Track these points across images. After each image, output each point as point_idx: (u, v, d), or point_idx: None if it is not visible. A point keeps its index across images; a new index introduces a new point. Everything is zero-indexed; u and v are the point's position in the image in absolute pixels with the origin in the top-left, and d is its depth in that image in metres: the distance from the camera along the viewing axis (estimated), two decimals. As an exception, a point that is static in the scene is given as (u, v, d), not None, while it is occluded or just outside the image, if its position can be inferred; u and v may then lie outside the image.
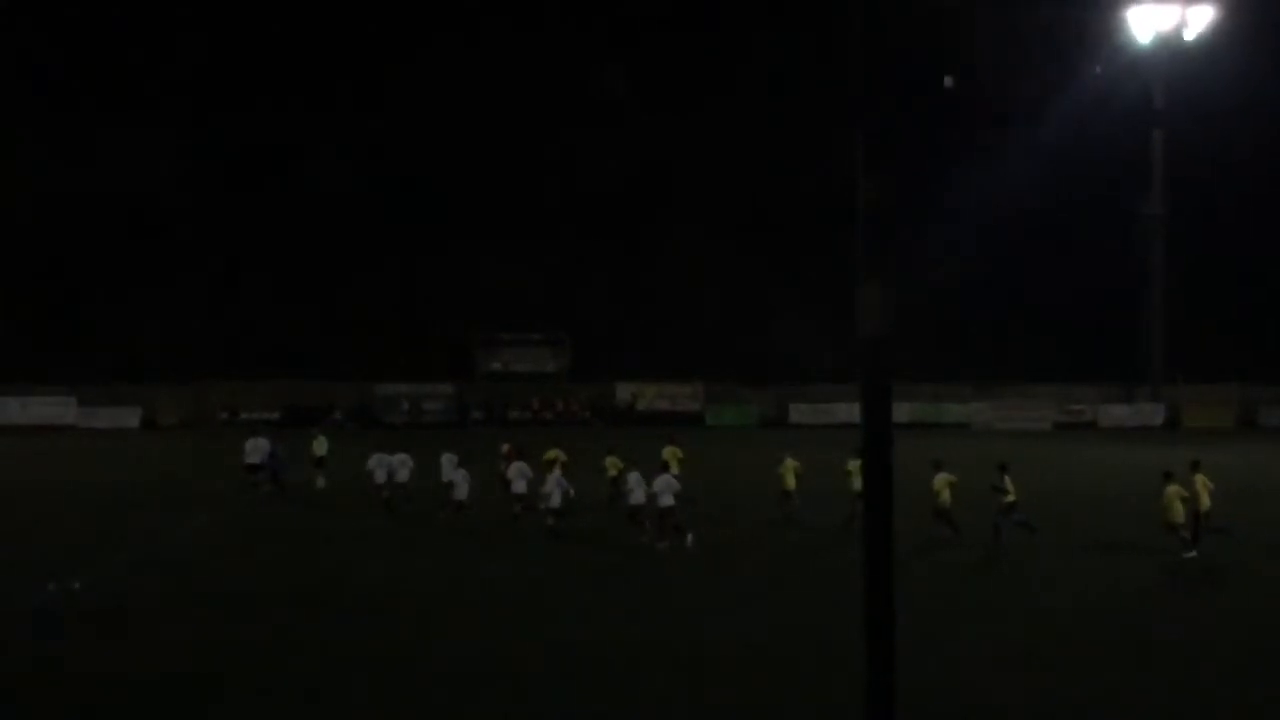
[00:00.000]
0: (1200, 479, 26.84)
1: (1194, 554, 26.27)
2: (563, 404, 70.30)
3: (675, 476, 29.33)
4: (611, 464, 33.67)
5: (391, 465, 33.97)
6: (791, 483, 31.61)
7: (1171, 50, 69.33)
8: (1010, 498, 27.80)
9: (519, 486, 30.94)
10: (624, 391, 71.11)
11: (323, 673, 17.97)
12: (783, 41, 66.20)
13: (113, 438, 61.57)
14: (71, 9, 69.12)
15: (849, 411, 62.65)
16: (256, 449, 37.40)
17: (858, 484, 29.38)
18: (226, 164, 70.32)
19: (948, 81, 65.67)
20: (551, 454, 33.60)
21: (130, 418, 67.84)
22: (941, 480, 28.14)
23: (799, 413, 69.59)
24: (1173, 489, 26.56)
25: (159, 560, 26.83)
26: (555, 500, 29.65)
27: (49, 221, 68.45)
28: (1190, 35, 68.82)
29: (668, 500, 27.26)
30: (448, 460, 33.39)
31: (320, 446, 38.45)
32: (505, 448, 34.99)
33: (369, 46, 71.27)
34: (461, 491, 31.29)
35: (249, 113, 69.72)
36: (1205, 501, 26.60)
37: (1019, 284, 70.13)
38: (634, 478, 29.30)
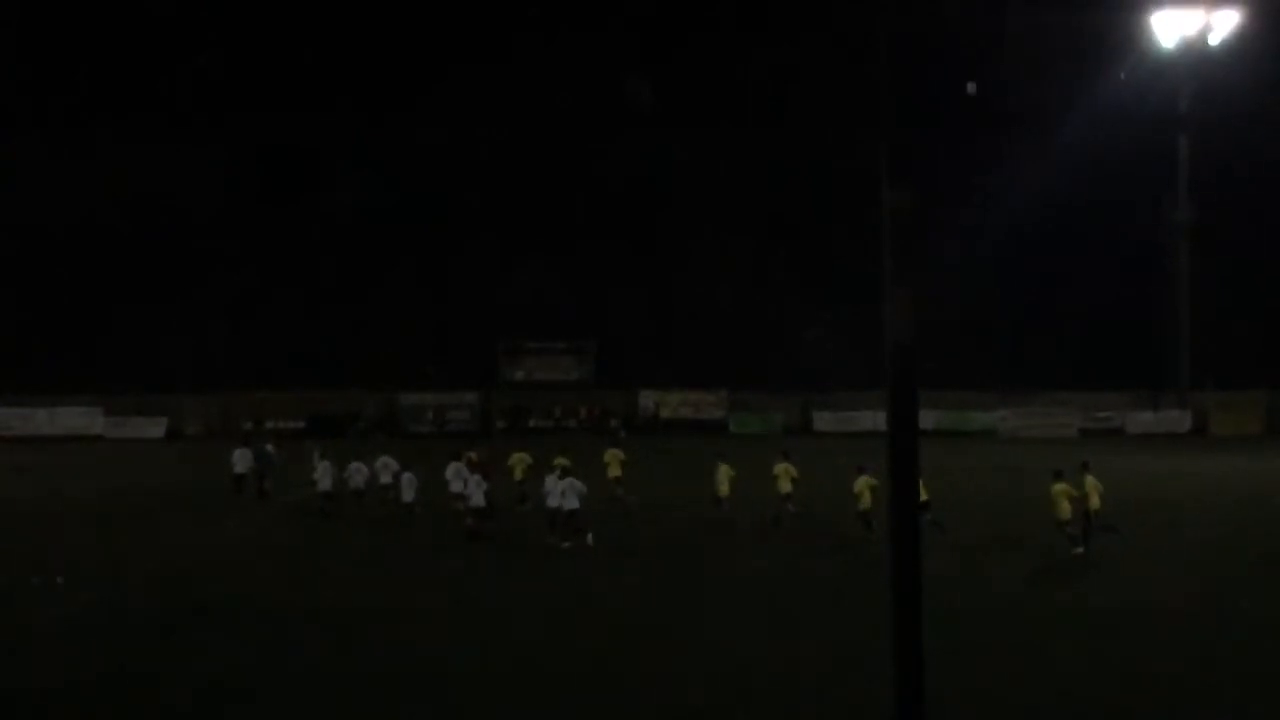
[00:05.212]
0: (1090, 480, 27.82)
1: (1081, 550, 27.26)
2: (585, 412, 70.22)
3: (618, 479, 34.66)
4: (518, 460, 35.45)
5: (344, 473, 35.00)
6: (725, 489, 32.60)
7: (1196, 55, 68.95)
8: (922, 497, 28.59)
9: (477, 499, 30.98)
10: (648, 400, 71.05)
11: (327, 682, 18.15)
12: (807, 47, 66.13)
13: (139, 448, 61.90)
14: (103, 18, 69.56)
15: (873, 419, 62.45)
16: (243, 458, 37.93)
17: (785, 486, 31.77)
18: (253, 175, 70.55)
19: (971, 87, 65.40)
20: (515, 458, 35.46)
21: (156, 428, 68.16)
22: (1060, 489, 28.10)
23: (823, 420, 69.42)
24: (1059, 487, 27.55)
25: (174, 569, 27.05)
26: (477, 500, 30.30)
27: (76, 232, 68.79)
28: (1215, 40, 68.44)
29: (573, 503, 28.55)
30: (384, 464, 34.55)
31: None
32: (471, 456, 35.14)
33: (395, 58, 71.45)
34: (408, 494, 32.78)
35: (276, 123, 69.99)
36: (1095, 501, 27.65)
37: (1044, 290, 69.88)
38: (551, 480, 29.98)
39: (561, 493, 28.75)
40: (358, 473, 34.93)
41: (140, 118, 68.22)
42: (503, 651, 19.74)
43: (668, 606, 23.35)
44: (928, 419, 59.73)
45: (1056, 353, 68.29)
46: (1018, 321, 68.93)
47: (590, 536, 29.03)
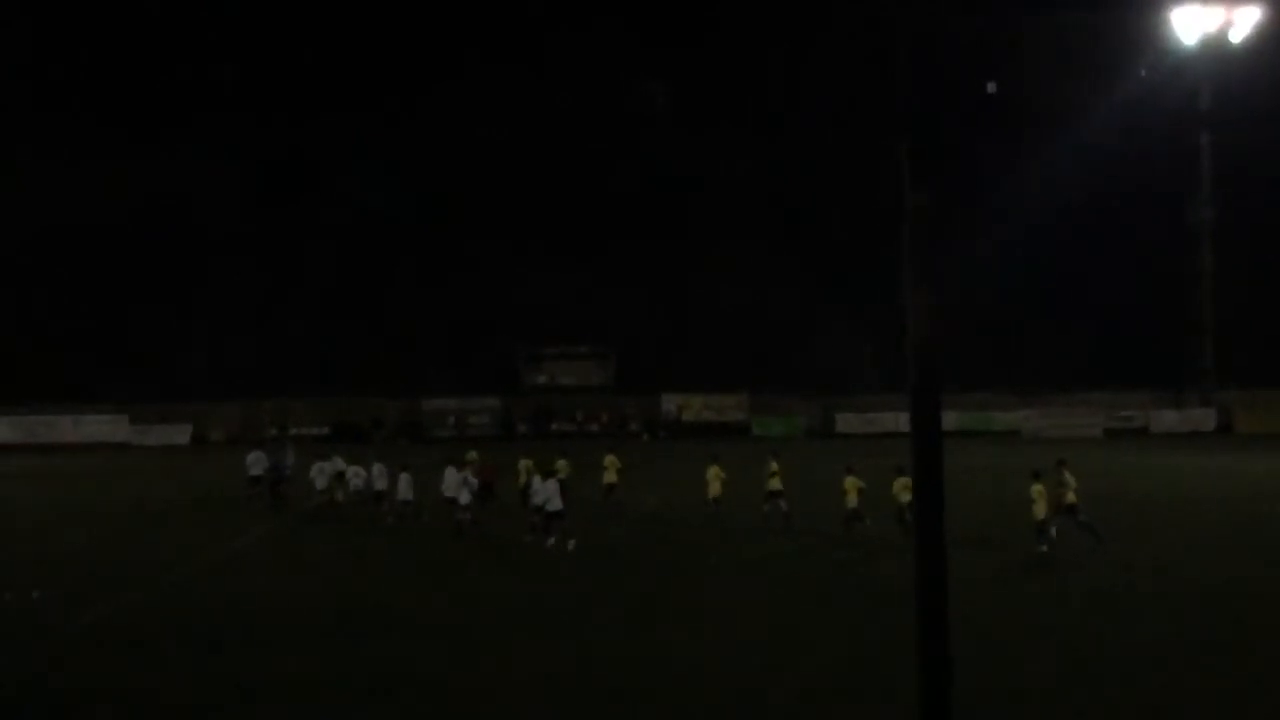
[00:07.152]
0: (1066, 476, 28.24)
1: (1045, 549, 27.49)
2: (608, 416, 70.15)
3: (612, 485, 34.80)
4: (525, 467, 35.24)
5: (341, 473, 35.92)
6: (717, 489, 32.85)
7: (1217, 52, 68.64)
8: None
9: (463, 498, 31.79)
10: (670, 403, 70.93)
11: (330, 682, 18.19)
12: (827, 49, 66.06)
13: (163, 455, 62.18)
14: (118, 27, 69.96)
15: (896, 421, 62.24)
16: (258, 460, 38.33)
17: (775, 484, 31.85)
18: (272, 181, 70.83)
19: (991, 87, 65.37)
20: (522, 464, 35.47)
21: (181, 435, 68.43)
22: (1038, 490, 28.17)
23: (845, 422, 69.21)
24: (1037, 488, 27.92)
25: (188, 578, 27.08)
26: (464, 498, 31.39)
27: (99, 240, 69.20)
28: (1236, 37, 68.12)
29: (556, 505, 29.16)
30: (379, 472, 34.96)
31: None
32: (471, 456, 35.76)
33: (410, 62, 71.66)
34: (406, 492, 33.40)
35: (294, 129, 70.28)
36: (1070, 496, 27.95)
37: (1066, 289, 69.59)
38: (537, 481, 30.64)
39: (546, 499, 29.31)
40: (356, 476, 35.85)
41: (160, 124, 68.66)
42: (496, 655, 19.69)
43: (662, 610, 23.14)
44: (949, 419, 59.17)
45: (1079, 352, 67.96)
46: (1040, 321, 68.67)
47: (572, 543, 29.01)
